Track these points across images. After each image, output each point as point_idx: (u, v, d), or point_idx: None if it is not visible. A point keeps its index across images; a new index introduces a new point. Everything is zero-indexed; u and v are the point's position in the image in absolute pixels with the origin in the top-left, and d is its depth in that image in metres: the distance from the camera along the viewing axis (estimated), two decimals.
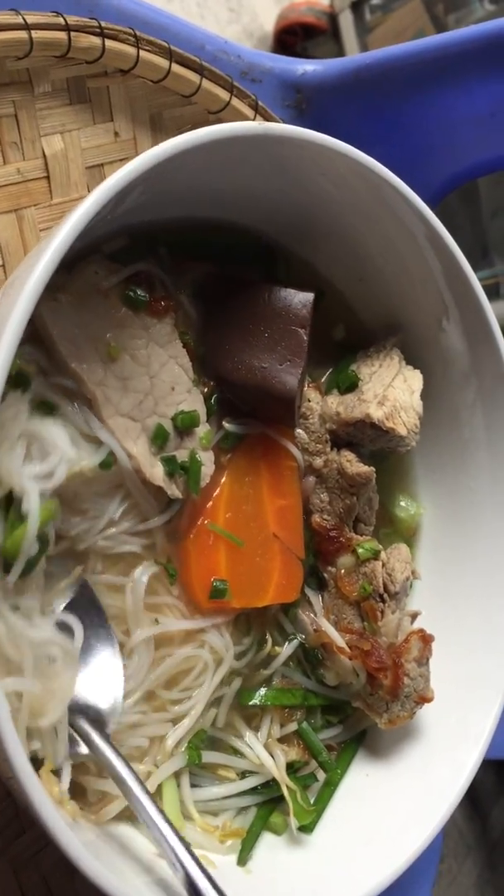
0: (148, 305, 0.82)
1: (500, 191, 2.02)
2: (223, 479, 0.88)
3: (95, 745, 0.73)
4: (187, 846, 0.68)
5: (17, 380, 0.72)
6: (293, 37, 2.60)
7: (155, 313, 0.83)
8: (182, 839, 0.69)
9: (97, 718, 0.77)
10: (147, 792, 0.71)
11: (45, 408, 0.74)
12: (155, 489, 0.82)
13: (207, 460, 0.85)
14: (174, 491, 0.82)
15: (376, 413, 0.89)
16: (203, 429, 0.85)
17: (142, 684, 0.81)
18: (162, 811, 0.70)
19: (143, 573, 0.82)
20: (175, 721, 0.84)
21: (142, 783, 0.71)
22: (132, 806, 0.71)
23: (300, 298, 0.87)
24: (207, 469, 0.85)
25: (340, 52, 2.44)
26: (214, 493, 0.87)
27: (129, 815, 0.80)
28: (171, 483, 0.82)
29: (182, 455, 0.83)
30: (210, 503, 0.87)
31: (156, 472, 0.81)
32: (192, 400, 0.85)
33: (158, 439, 0.81)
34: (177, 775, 0.84)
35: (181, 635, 0.85)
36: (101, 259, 0.81)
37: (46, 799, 0.57)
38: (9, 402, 0.69)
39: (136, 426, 0.80)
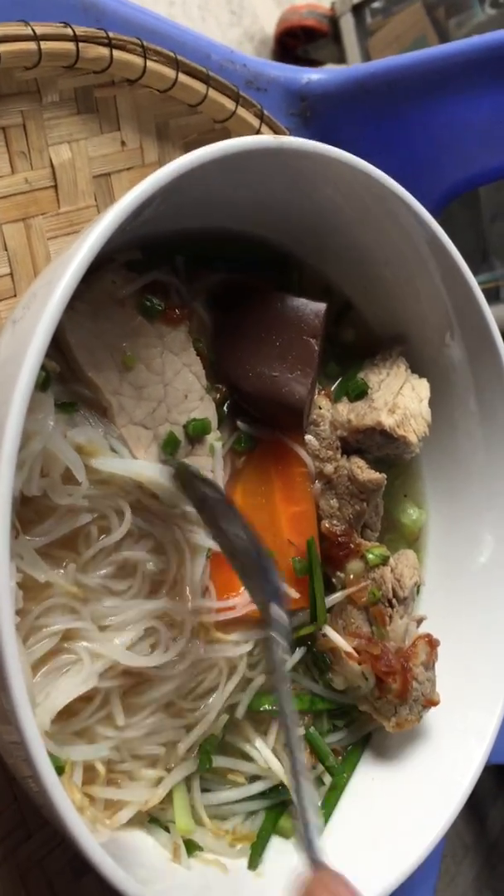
0: (163, 314, 0.83)
1: (501, 195, 2.03)
2: (236, 492, 0.89)
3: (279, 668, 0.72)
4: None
5: (42, 384, 0.73)
6: (294, 39, 2.61)
7: (170, 322, 0.83)
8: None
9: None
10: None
11: (67, 408, 0.76)
12: None
13: (217, 467, 0.86)
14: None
15: (388, 421, 0.90)
16: (214, 436, 0.86)
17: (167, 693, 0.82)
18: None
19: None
20: (189, 727, 0.84)
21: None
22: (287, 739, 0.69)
23: (312, 308, 0.87)
24: (217, 475, 0.85)
25: (341, 55, 2.45)
26: None
27: (142, 821, 0.80)
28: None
29: (192, 462, 0.83)
30: None
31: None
32: (203, 407, 0.85)
33: (169, 447, 0.82)
34: (187, 780, 0.84)
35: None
36: (118, 268, 0.82)
37: (71, 806, 0.58)
38: (34, 407, 0.70)
39: (148, 434, 0.81)
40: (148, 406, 0.81)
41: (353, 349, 1.02)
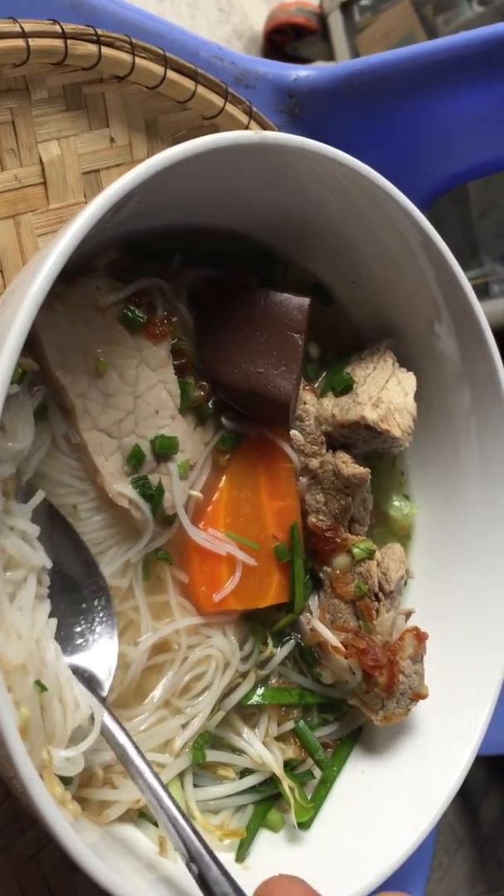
0: (145, 328, 0.82)
1: (490, 191, 2.04)
2: (222, 485, 0.89)
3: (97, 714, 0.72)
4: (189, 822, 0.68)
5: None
6: (283, 37, 2.61)
7: (151, 336, 0.83)
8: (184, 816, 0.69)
9: (92, 682, 0.76)
10: (151, 771, 0.70)
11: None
12: None
13: (181, 489, 0.85)
14: (138, 513, 0.82)
15: (371, 415, 0.90)
16: (181, 457, 0.85)
17: (163, 692, 0.83)
18: (167, 790, 0.70)
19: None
20: (185, 724, 0.85)
21: (146, 762, 0.71)
22: (136, 783, 0.70)
23: (296, 303, 0.87)
24: (181, 498, 0.84)
25: (330, 52, 2.45)
26: (214, 499, 0.89)
27: (132, 817, 0.81)
28: (137, 505, 0.82)
29: (156, 479, 0.83)
30: (210, 509, 0.88)
31: (120, 491, 0.81)
32: (174, 426, 0.85)
33: (133, 459, 0.81)
34: (180, 775, 0.85)
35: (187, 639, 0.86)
36: (104, 276, 0.81)
37: (48, 798, 0.58)
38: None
39: (112, 442, 0.80)
40: (115, 415, 0.80)
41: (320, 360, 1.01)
